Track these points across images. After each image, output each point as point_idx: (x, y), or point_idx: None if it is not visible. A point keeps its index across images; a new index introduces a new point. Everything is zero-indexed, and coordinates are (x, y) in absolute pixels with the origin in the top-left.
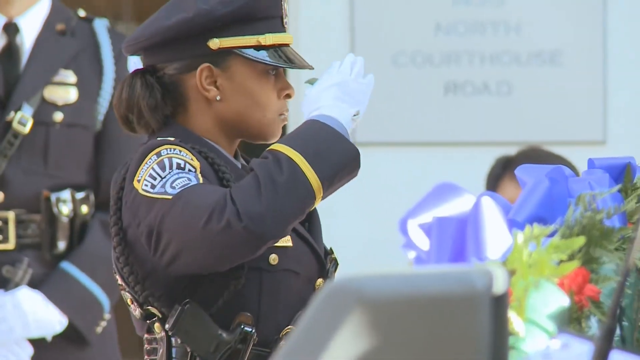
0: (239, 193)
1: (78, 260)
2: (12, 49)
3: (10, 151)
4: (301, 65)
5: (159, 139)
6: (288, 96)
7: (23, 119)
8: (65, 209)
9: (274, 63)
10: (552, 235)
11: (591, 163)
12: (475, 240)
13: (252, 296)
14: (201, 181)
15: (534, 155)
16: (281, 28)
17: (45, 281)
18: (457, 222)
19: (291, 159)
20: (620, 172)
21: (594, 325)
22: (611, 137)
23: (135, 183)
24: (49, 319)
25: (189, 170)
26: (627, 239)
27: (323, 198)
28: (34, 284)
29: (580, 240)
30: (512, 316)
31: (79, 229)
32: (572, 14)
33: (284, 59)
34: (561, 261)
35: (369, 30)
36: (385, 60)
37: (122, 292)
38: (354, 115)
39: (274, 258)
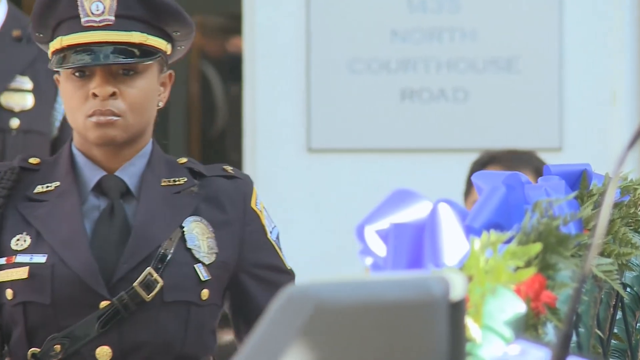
0: None
1: None
2: None
3: None
4: (80, 63)
5: None
6: (94, 95)
7: None
8: None
9: (53, 68)
10: (508, 241)
11: (547, 170)
12: (432, 246)
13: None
14: None
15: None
16: (78, 28)
17: None
18: (414, 228)
19: None
20: (577, 179)
21: (550, 332)
22: (567, 143)
23: None
24: None
25: None
26: (584, 245)
27: None
28: None
29: (537, 247)
30: (469, 322)
31: None
32: (528, 20)
33: (60, 62)
34: (518, 268)
35: (325, 36)
36: (341, 67)
37: None
38: None
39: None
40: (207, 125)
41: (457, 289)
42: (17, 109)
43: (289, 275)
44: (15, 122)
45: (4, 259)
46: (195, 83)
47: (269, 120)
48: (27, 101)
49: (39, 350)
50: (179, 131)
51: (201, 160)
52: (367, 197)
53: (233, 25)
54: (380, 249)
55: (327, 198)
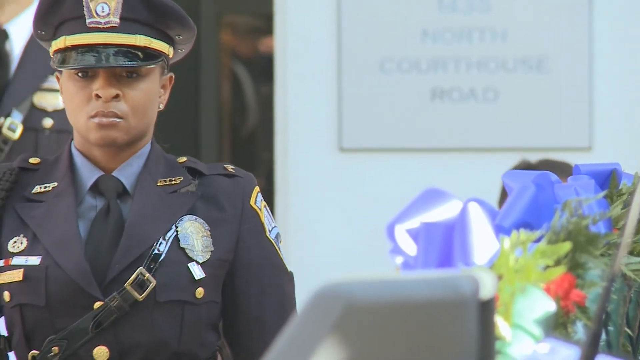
0: None
1: None
2: (1, 56)
3: (0, 157)
4: (84, 64)
5: None
6: (97, 96)
7: (12, 125)
8: None
9: (56, 67)
10: (538, 240)
11: (577, 169)
12: (462, 245)
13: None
14: None
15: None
16: (82, 29)
17: None
18: (444, 227)
19: None
20: (606, 178)
21: (579, 330)
22: (597, 143)
23: None
24: None
25: None
26: (613, 244)
27: None
28: None
29: (566, 246)
30: (499, 321)
31: None
32: (558, 20)
33: (62, 61)
34: (547, 267)
35: (356, 36)
36: (372, 67)
37: None
38: None
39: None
40: (238, 125)
41: (487, 288)
42: (49, 108)
43: (287, 275)
44: (48, 122)
45: (2, 261)
46: (227, 83)
47: (301, 120)
48: (60, 101)
49: (38, 352)
50: (211, 131)
51: (233, 159)
52: (398, 196)
53: (264, 25)
54: (410, 248)
55: (358, 197)
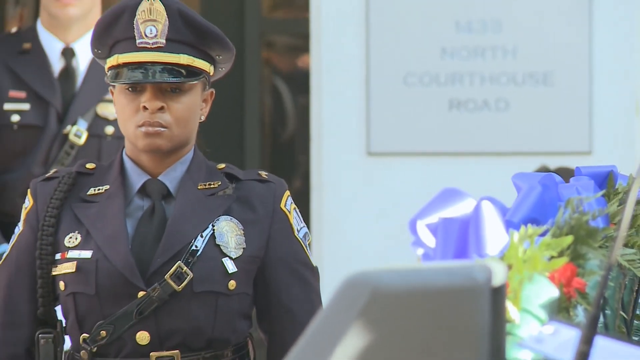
0: None
1: None
2: (69, 71)
3: (67, 160)
4: (133, 80)
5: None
6: (144, 108)
7: (78, 132)
8: None
9: (110, 82)
10: (544, 234)
11: (578, 171)
12: (476, 238)
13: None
14: (12, 243)
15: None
16: (132, 48)
17: None
18: (460, 222)
19: None
20: (604, 179)
21: (580, 314)
22: (596, 148)
23: None
24: None
25: (18, 225)
26: (610, 237)
27: None
28: None
29: (569, 239)
30: (509, 306)
31: None
32: (561, 39)
33: (115, 77)
34: (552, 257)
35: (383, 54)
36: (397, 80)
37: None
38: None
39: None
40: (278, 133)
41: (498, 276)
42: (111, 117)
43: (313, 271)
44: (110, 129)
45: (59, 254)
46: (268, 96)
47: (333, 128)
48: None
49: (88, 335)
50: (254, 138)
51: (272, 163)
52: (419, 194)
53: (302, 44)
54: (430, 240)
55: (384, 196)
